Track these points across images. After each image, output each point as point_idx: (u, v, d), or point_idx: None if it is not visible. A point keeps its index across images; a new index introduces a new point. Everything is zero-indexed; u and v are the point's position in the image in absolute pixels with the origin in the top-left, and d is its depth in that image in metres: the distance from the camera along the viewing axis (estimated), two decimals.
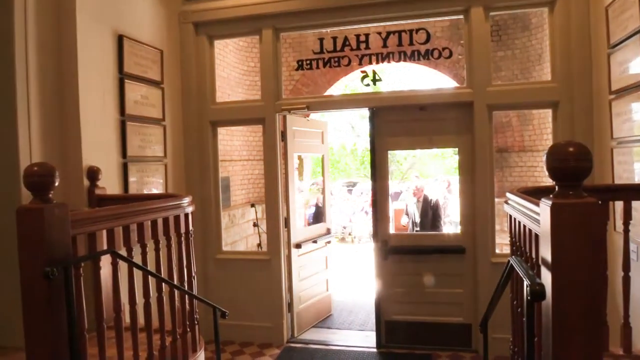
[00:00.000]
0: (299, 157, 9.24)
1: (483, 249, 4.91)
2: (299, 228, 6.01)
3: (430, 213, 7.65)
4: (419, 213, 7.94)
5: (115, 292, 2.71)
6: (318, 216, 8.02)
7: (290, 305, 5.60)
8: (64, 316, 2.31)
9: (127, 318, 3.16)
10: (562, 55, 4.67)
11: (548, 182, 1.93)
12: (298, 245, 5.70)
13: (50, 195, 2.33)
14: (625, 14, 3.68)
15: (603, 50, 4.17)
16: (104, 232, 2.69)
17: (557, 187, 1.82)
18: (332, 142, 20.79)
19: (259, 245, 7.74)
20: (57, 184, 2.35)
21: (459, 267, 5.08)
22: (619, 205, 3.40)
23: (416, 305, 5.20)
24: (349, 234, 14.80)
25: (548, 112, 5.63)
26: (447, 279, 5.12)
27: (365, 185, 17.26)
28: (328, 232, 6.52)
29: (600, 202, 1.89)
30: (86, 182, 3.96)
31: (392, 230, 5.74)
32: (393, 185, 16.22)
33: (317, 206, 8.13)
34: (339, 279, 8.23)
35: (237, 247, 7.59)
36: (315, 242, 6.07)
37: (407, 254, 5.20)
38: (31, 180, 2.30)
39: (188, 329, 3.39)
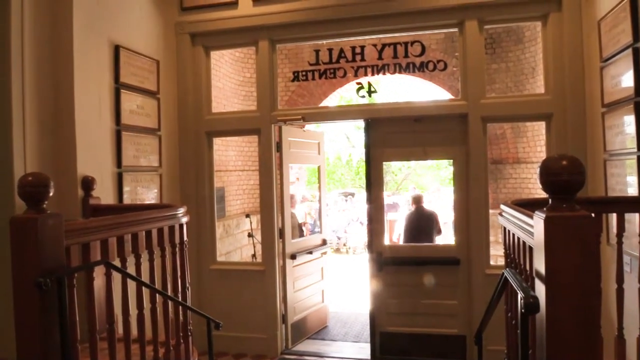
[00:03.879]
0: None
1: (477, 260, 4.91)
2: (294, 239, 5.99)
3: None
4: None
5: (109, 303, 2.70)
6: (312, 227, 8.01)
7: (284, 317, 5.57)
8: (57, 327, 2.30)
9: (120, 329, 3.14)
10: (556, 68, 4.72)
11: (542, 194, 1.95)
12: (293, 256, 5.69)
13: (45, 206, 2.32)
14: (617, 28, 3.73)
15: (596, 63, 4.22)
16: (98, 242, 2.68)
17: (550, 200, 1.84)
18: (327, 153, 20.80)
19: (254, 255, 7.72)
20: (51, 194, 2.34)
21: (453, 279, 5.08)
22: (612, 217, 3.42)
23: (411, 316, 5.19)
24: (344, 245, 14.77)
25: (542, 125, 5.67)
26: (441, 291, 5.11)
27: (361, 196, 17.27)
28: (324, 243, 6.51)
29: (593, 214, 1.90)
30: (80, 192, 3.95)
31: (387, 241, 5.74)
32: (389, 197, 16.23)
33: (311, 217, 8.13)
34: (334, 290, 8.20)
35: (232, 258, 7.56)
36: (310, 252, 6.06)
37: (402, 265, 5.19)
38: (25, 190, 2.29)
39: (181, 340, 3.37)
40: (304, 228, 7.58)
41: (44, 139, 3.81)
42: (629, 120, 3.58)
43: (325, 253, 6.54)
